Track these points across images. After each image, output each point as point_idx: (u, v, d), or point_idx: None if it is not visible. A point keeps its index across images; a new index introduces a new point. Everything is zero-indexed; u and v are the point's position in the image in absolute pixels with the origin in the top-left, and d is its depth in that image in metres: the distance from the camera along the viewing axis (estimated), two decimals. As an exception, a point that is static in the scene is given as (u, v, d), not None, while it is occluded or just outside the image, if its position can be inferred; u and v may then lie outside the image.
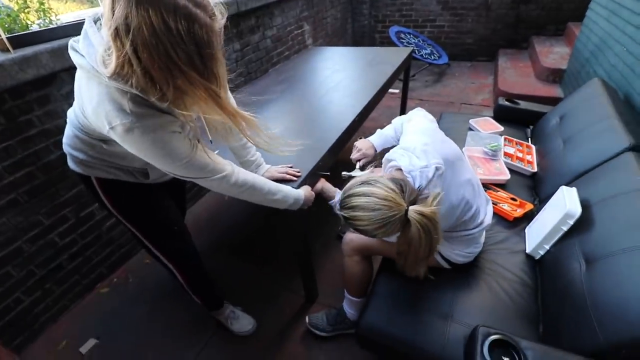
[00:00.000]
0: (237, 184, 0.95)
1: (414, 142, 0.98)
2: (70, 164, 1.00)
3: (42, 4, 2.96)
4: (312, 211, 1.29)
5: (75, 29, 1.47)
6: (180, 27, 0.60)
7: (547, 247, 1.17)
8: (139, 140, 0.73)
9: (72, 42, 0.75)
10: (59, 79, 1.44)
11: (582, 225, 1.07)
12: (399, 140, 1.34)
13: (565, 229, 1.11)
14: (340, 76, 2.07)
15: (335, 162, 1.47)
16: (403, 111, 2.70)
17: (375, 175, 0.87)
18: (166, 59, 0.61)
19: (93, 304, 1.69)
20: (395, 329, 1.05)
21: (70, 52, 0.74)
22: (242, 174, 0.97)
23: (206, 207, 2.23)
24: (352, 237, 1.24)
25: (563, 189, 1.19)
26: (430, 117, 1.19)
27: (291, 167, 1.25)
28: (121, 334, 1.54)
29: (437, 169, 0.89)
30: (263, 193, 1.02)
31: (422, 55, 3.66)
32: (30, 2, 2.96)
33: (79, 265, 1.68)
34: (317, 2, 3.38)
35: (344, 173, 1.26)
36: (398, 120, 1.31)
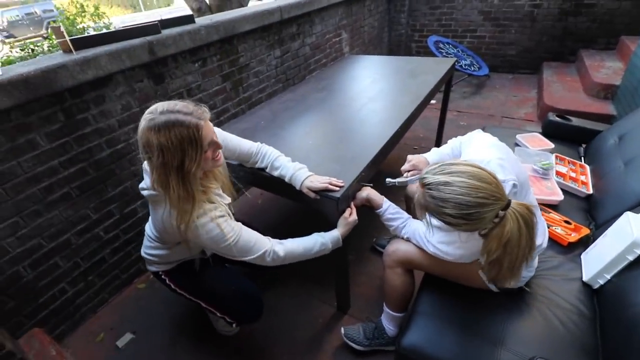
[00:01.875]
0: (279, 258, 1.10)
1: (487, 155, 0.92)
2: (148, 266, 1.27)
3: (97, 8, 3.17)
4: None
5: (130, 33, 1.54)
6: (174, 136, 0.84)
7: (608, 276, 1.08)
8: (197, 233, 0.98)
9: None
10: (114, 81, 1.51)
11: (652, 256, 0.97)
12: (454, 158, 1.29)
13: (631, 258, 1.02)
14: (380, 85, 2.05)
15: (377, 173, 1.44)
16: (442, 123, 2.62)
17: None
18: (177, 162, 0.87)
19: (131, 298, 1.74)
20: (441, 351, 1.00)
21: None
22: (278, 248, 1.10)
23: (239, 210, 2.26)
24: (395, 248, 1.20)
25: (628, 215, 1.09)
26: (495, 138, 1.13)
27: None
28: (156, 330, 1.57)
29: (514, 185, 0.83)
30: (304, 254, 1.14)
31: (461, 66, 3.56)
32: (87, 7, 3.18)
33: (120, 260, 1.73)
34: (356, 11, 3.39)
35: (388, 179, 1.22)
36: (456, 140, 1.26)
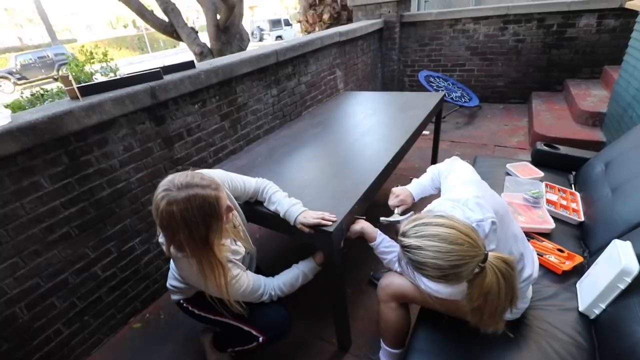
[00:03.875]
0: (272, 295, 1.22)
1: (464, 194, 0.94)
2: (171, 295, 1.31)
3: (105, 55, 3.37)
4: (343, 254, 1.27)
5: (134, 80, 1.64)
6: (198, 212, 0.89)
7: (603, 306, 1.08)
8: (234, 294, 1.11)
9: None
10: (117, 124, 1.59)
11: (643, 284, 0.98)
12: (436, 189, 1.33)
13: (622, 287, 1.02)
14: (372, 120, 2.13)
15: (372, 204, 1.47)
16: (435, 152, 2.69)
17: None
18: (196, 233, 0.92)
19: (126, 339, 1.71)
20: (437, 390, 0.98)
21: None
22: (274, 291, 1.22)
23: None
24: (389, 282, 1.20)
25: (616, 243, 1.11)
26: (471, 167, 1.18)
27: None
28: (150, 372, 1.53)
29: (492, 223, 0.86)
30: (292, 287, 1.26)
31: (452, 98, 3.70)
32: (96, 54, 3.38)
33: (116, 299, 1.73)
34: (349, 50, 3.58)
35: (382, 219, 1.25)
36: (435, 169, 1.30)
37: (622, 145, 1.66)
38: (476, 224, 0.85)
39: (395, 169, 1.80)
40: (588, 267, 1.25)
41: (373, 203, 1.50)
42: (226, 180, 1.21)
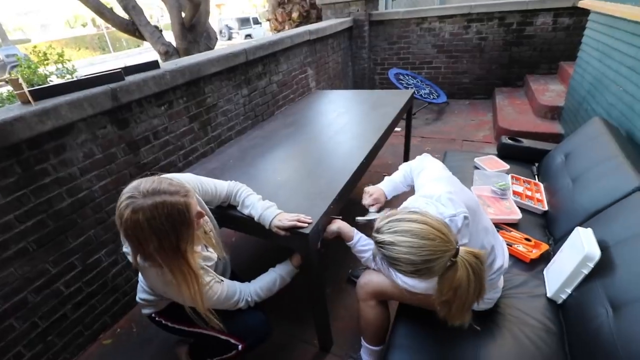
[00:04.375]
0: (248, 301, 1.19)
1: (437, 190, 0.96)
2: (142, 309, 1.23)
3: (60, 55, 3.15)
4: (321, 254, 1.27)
5: (93, 82, 1.55)
6: (166, 220, 0.83)
7: (569, 291, 1.14)
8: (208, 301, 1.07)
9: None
10: (76, 129, 1.49)
11: (603, 268, 1.04)
12: (408, 186, 1.34)
13: (585, 272, 1.08)
14: (345, 119, 2.14)
15: (348, 202, 1.47)
16: (407, 149, 2.74)
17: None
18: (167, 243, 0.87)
19: (95, 356, 1.61)
20: (418, 384, 0.99)
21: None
22: (250, 296, 1.19)
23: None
24: (367, 280, 1.21)
25: (579, 230, 1.17)
26: (442, 164, 1.20)
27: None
28: (123, 390, 1.45)
29: (465, 217, 0.87)
30: (269, 292, 1.24)
31: (421, 95, 3.79)
32: (50, 54, 3.16)
33: (83, 315, 1.62)
34: (320, 49, 3.57)
35: (358, 218, 1.25)
36: (407, 167, 1.32)
37: (580, 137, 1.76)
38: (449, 219, 0.86)
39: (370, 166, 1.81)
40: (553, 255, 1.32)
41: (349, 201, 1.50)
42: (196, 184, 1.16)
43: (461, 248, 0.76)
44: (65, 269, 1.53)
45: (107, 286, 1.72)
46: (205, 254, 1.12)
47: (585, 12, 2.64)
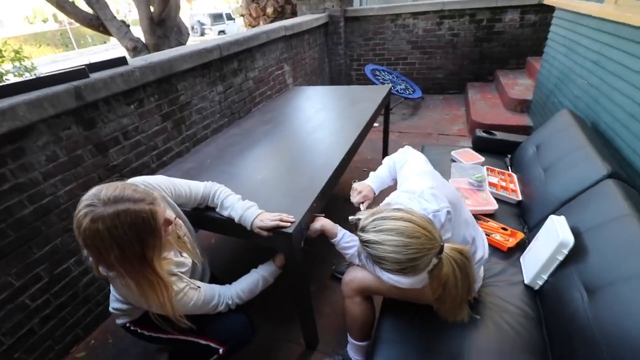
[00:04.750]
0: (229, 305, 1.15)
1: (419, 185, 0.96)
2: (117, 320, 1.17)
3: (17, 52, 2.94)
4: (305, 251, 1.25)
5: (54, 79, 1.44)
6: (129, 229, 0.78)
7: (545, 277, 1.18)
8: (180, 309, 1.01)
9: None
10: (36, 130, 1.39)
11: (577, 254, 1.08)
12: (393, 180, 1.35)
13: (560, 258, 1.12)
14: (323, 115, 2.12)
15: (331, 198, 1.46)
16: (386, 143, 2.76)
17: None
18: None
19: (67, 372, 1.52)
20: (406, 378, 1.00)
21: None
22: (231, 300, 1.16)
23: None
24: (352, 277, 1.20)
25: (553, 219, 1.21)
26: (424, 157, 1.21)
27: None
28: (99, 405, 1.38)
29: (448, 212, 0.88)
30: (251, 293, 1.21)
31: (397, 91, 3.83)
32: (6, 52, 2.93)
33: (52, 329, 1.52)
34: (296, 44, 3.53)
35: (351, 218, 1.23)
36: (390, 161, 1.32)
37: (549, 129, 1.83)
38: (432, 215, 0.87)
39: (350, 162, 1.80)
40: (529, 242, 1.36)
41: (331, 197, 1.49)
42: (168, 187, 1.11)
43: (446, 245, 0.77)
44: (30, 280, 1.43)
45: (78, 297, 1.62)
46: (178, 259, 1.07)
47: (551, 9, 2.75)
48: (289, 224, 1.13)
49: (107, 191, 0.80)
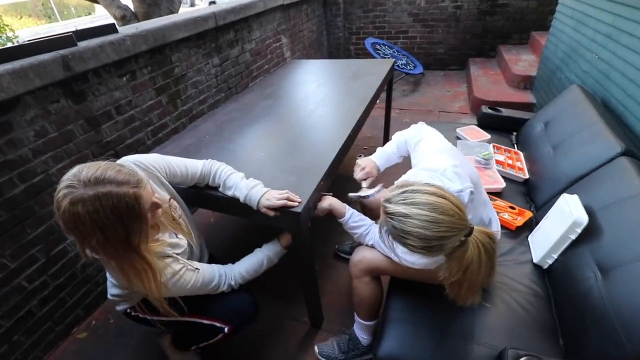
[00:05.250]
0: (232, 285, 1.13)
1: (441, 163, 0.91)
2: (116, 307, 1.17)
3: (-4, 21, 2.71)
4: (311, 231, 1.21)
5: (39, 47, 1.33)
6: (111, 213, 0.72)
7: (555, 256, 1.17)
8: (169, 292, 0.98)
9: None
10: (23, 103, 1.29)
11: (590, 232, 1.07)
12: (401, 157, 1.30)
13: (573, 237, 1.10)
14: (325, 90, 2.03)
15: (336, 178, 1.41)
16: (388, 121, 2.70)
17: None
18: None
19: (70, 352, 1.50)
20: (417, 356, 0.99)
21: None
22: (232, 279, 1.13)
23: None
24: (360, 257, 1.17)
25: (565, 197, 1.19)
26: (440, 134, 1.15)
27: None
28: (104, 384, 1.37)
29: (471, 192, 0.84)
30: (255, 273, 1.18)
31: (398, 66, 3.71)
32: (-17, 19, 2.71)
33: (52, 310, 1.49)
34: (294, 15, 3.36)
35: (350, 195, 1.19)
36: (400, 137, 1.26)
37: (559, 105, 1.78)
38: (456, 195, 0.82)
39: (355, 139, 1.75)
40: (537, 221, 1.35)
41: (337, 176, 1.44)
42: (163, 166, 1.05)
43: (475, 227, 0.73)
44: (26, 262, 1.38)
45: (77, 278, 1.58)
46: (173, 240, 1.02)
47: (560, -20, 2.63)
48: (296, 203, 1.08)
49: (88, 172, 0.73)
